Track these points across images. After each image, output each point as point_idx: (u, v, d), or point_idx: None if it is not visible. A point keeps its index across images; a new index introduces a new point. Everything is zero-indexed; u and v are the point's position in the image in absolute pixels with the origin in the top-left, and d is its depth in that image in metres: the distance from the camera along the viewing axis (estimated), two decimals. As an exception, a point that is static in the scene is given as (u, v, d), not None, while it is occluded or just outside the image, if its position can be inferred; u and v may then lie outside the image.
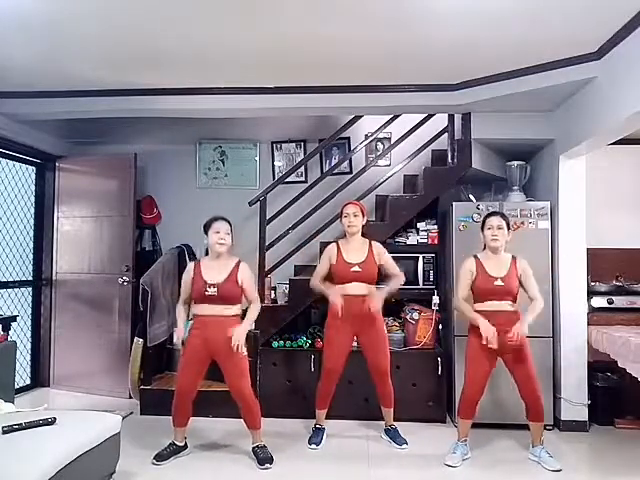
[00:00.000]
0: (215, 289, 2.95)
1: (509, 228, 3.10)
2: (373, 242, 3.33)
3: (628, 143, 3.70)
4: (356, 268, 3.21)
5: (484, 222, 3.14)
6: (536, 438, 3.10)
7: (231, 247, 3.09)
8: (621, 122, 2.87)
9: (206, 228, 3.06)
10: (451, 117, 3.95)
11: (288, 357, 3.87)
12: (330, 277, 3.34)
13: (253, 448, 3.06)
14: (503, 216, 3.12)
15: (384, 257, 3.31)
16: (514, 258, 3.09)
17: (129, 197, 4.40)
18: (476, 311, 3.06)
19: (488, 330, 2.92)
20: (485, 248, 3.14)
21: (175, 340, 3.00)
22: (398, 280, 3.29)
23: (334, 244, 3.37)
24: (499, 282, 3.01)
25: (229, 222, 3.08)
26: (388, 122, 4.08)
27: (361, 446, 3.32)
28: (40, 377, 4.65)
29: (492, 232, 3.06)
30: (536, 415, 3.05)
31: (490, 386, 3.21)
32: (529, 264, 3.13)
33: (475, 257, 3.13)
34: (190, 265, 3.12)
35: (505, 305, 3.02)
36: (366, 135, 4.44)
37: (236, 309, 3.05)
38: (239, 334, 2.94)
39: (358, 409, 3.72)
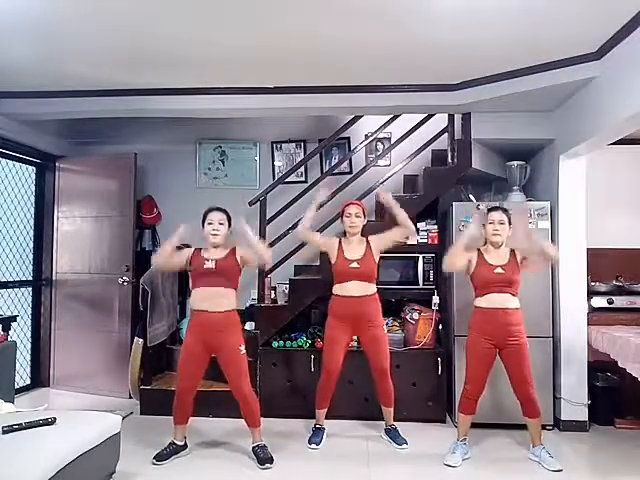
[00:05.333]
0: (213, 263, 2.97)
1: (510, 223, 3.11)
2: (369, 238, 3.33)
3: (628, 143, 3.70)
4: (355, 265, 3.21)
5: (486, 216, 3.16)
6: (535, 437, 3.10)
7: (229, 235, 3.10)
8: (621, 122, 2.88)
9: (203, 219, 3.08)
10: (451, 117, 3.95)
11: (288, 357, 3.87)
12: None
13: (253, 448, 3.06)
14: (505, 211, 3.12)
15: (380, 240, 3.29)
16: (513, 250, 3.11)
17: (129, 197, 4.40)
18: (477, 307, 3.08)
19: (469, 229, 3.14)
20: (486, 243, 3.15)
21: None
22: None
23: (337, 239, 3.37)
24: (499, 270, 3.01)
25: (225, 211, 3.09)
26: (388, 122, 4.08)
27: (361, 446, 3.32)
28: (40, 377, 4.65)
29: (494, 227, 3.07)
30: (531, 411, 3.05)
31: (490, 386, 3.21)
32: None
33: (478, 250, 3.14)
34: (191, 249, 3.12)
35: (506, 300, 3.01)
36: (366, 135, 4.45)
37: (233, 298, 3.03)
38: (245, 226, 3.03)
39: (358, 409, 3.72)
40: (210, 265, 2.98)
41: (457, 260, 3.11)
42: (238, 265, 3.06)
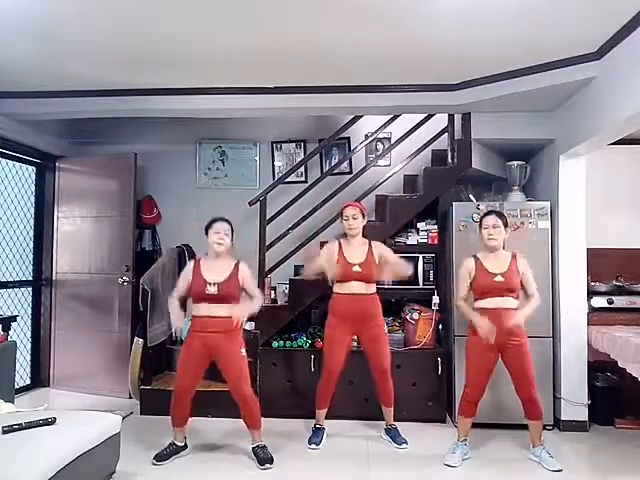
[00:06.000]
0: (215, 288, 2.96)
1: (506, 226, 3.09)
2: (373, 242, 3.33)
3: (628, 143, 3.70)
4: (357, 268, 3.21)
5: (481, 222, 3.14)
6: (536, 438, 3.09)
7: (231, 248, 3.10)
8: (621, 122, 2.87)
9: (207, 229, 3.07)
10: (451, 117, 3.95)
11: (288, 357, 3.87)
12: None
13: (253, 448, 3.06)
14: (499, 215, 3.11)
15: (384, 254, 3.29)
16: (514, 256, 3.09)
17: (129, 197, 4.40)
18: (477, 309, 3.07)
19: (483, 327, 2.94)
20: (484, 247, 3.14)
21: (178, 333, 3.13)
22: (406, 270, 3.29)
23: (336, 242, 3.36)
24: (499, 278, 3.00)
25: (229, 223, 3.10)
26: (388, 122, 4.08)
27: (361, 446, 3.32)
28: (40, 377, 4.65)
29: (488, 232, 3.06)
30: (533, 414, 3.04)
31: (490, 386, 3.20)
32: (529, 264, 3.12)
33: (474, 257, 3.12)
34: (190, 264, 3.12)
35: (507, 302, 3.00)
36: (366, 135, 4.45)
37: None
38: (240, 312, 2.98)
39: (358, 409, 3.72)
40: (212, 290, 2.95)
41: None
42: (240, 284, 3.05)
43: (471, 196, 4.08)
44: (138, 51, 3.02)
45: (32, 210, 4.68)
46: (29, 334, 4.62)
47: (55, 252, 4.66)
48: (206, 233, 3.07)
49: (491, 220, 3.07)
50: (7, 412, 2.56)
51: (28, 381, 4.59)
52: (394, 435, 3.35)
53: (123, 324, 4.35)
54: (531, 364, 3.01)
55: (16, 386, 3.66)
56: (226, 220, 3.09)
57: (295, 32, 2.76)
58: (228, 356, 2.99)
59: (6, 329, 3.48)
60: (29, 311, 4.64)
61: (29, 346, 4.62)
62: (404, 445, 3.27)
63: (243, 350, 3.02)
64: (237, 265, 3.07)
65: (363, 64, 3.20)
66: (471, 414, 3.10)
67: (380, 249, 3.31)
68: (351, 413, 3.72)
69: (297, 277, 4.13)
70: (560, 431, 3.58)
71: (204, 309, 3.00)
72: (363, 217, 3.32)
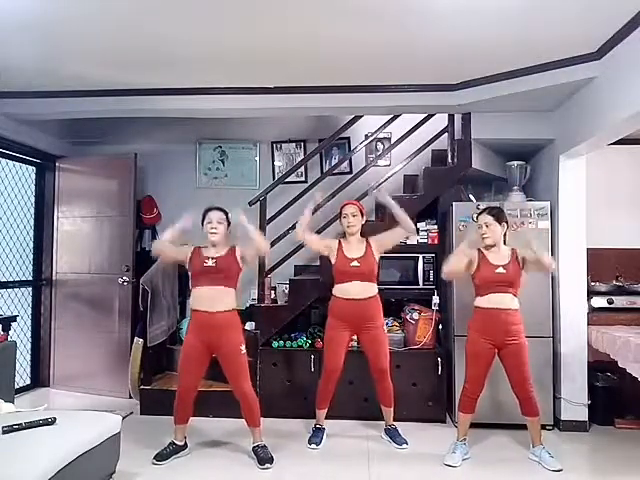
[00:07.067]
0: (214, 261, 2.99)
1: (502, 221, 3.08)
2: (369, 238, 3.33)
3: (628, 143, 3.70)
4: (355, 263, 3.22)
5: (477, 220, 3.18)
6: (535, 437, 3.10)
7: (228, 237, 3.11)
8: (621, 122, 2.87)
9: (202, 219, 3.11)
10: (451, 117, 3.96)
11: (288, 357, 3.87)
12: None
13: (253, 448, 3.07)
14: (491, 212, 3.10)
15: (380, 241, 3.29)
16: (513, 250, 3.10)
17: (129, 197, 4.40)
18: (477, 307, 3.08)
19: (467, 241, 3.13)
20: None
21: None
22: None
23: (337, 240, 3.37)
24: (501, 270, 3.01)
25: (224, 210, 3.11)
26: (388, 122, 4.09)
27: (361, 446, 3.32)
28: (40, 377, 4.65)
29: (481, 231, 3.09)
30: (530, 410, 3.05)
31: (489, 386, 3.21)
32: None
33: (479, 250, 3.13)
34: (190, 247, 3.14)
35: (507, 300, 3.01)
36: (366, 135, 4.45)
37: (232, 298, 3.04)
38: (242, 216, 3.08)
39: (358, 409, 3.72)
40: (210, 263, 3.00)
41: (455, 270, 3.11)
42: (238, 264, 3.07)
43: (471, 196, 4.08)
44: (138, 51, 3.02)
45: (32, 210, 4.68)
46: (29, 334, 4.62)
47: (55, 252, 4.66)
48: (202, 223, 3.11)
49: (482, 219, 3.11)
50: (7, 412, 2.56)
51: (28, 381, 4.59)
52: (394, 435, 3.35)
53: (123, 324, 4.35)
54: (527, 362, 3.02)
55: (16, 386, 3.65)
56: (220, 209, 3.11)
57: (295, 32, 2.76)
58: (228, 353, 3.00)
59: (6, 329, 3.48)
60: (29, 311, 4.64)
61: (29, 346, 4.62)
62: (404, 445, 3.27)
63: (243, 347, 3.02)
64: (233, 247, 3.10)
65: (363, 64, 3.20)
66: (471, 410, 3.11)
67: (375, 241, 3.30)
68: (351, 413, 3.72)
69: (297, 277, 4.14)
70: (560, 431, 3.58)
71: (203, 296, 2.98)
72: (362, 216, 3.33)
